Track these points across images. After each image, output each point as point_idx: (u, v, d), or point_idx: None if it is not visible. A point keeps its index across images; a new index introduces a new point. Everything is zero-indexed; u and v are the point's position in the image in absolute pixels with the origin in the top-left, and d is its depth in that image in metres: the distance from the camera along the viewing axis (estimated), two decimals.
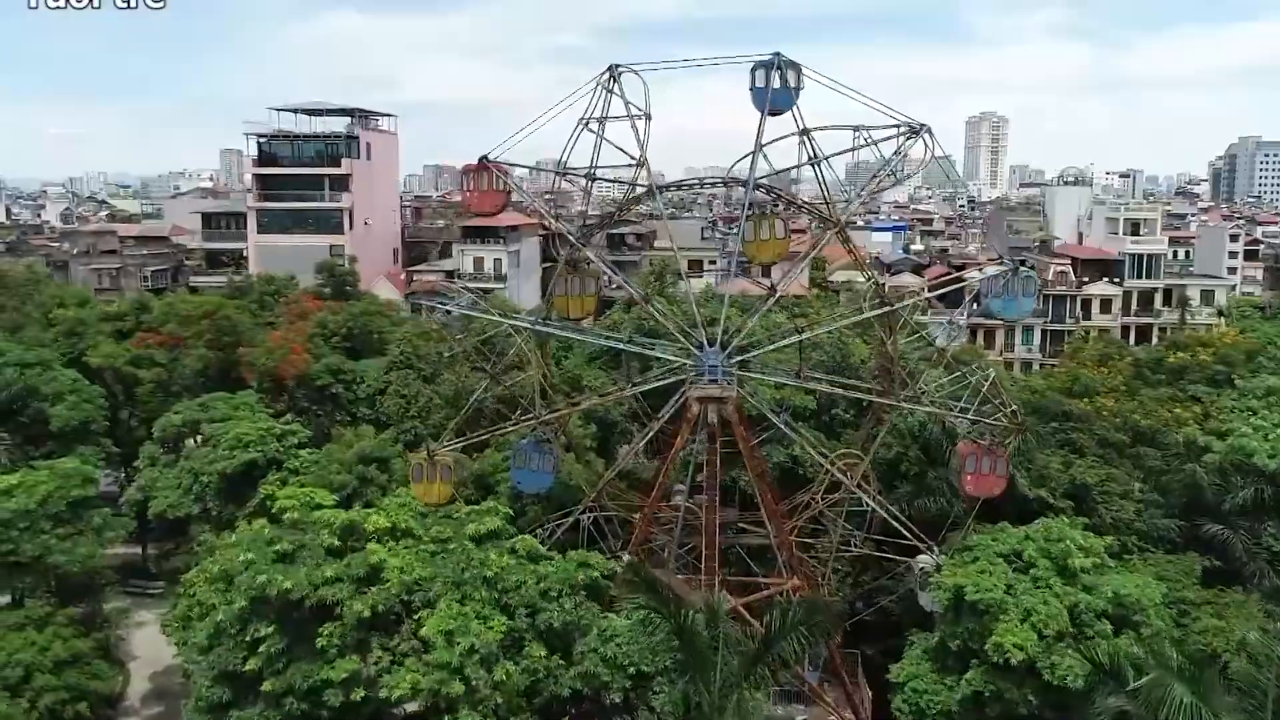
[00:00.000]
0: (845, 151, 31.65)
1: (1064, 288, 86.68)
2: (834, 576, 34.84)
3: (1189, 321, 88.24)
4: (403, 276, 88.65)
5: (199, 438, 44.41)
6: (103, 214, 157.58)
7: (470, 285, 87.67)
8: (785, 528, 32.67)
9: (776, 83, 31.04)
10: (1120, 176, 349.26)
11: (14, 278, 66.34)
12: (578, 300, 33.77)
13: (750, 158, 32.44)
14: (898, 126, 31.34)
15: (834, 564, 34.71)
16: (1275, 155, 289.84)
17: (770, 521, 32.19)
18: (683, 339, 32.45)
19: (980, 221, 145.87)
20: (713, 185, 34.68)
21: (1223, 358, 47.59)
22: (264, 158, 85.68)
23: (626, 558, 31.57)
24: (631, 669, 24.68)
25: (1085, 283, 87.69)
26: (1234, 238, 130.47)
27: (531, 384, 34.72)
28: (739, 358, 32.23)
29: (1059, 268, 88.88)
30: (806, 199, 33.69)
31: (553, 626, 25.18)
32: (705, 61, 31.85)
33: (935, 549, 33.17)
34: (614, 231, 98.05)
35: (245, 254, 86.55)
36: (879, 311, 32.14)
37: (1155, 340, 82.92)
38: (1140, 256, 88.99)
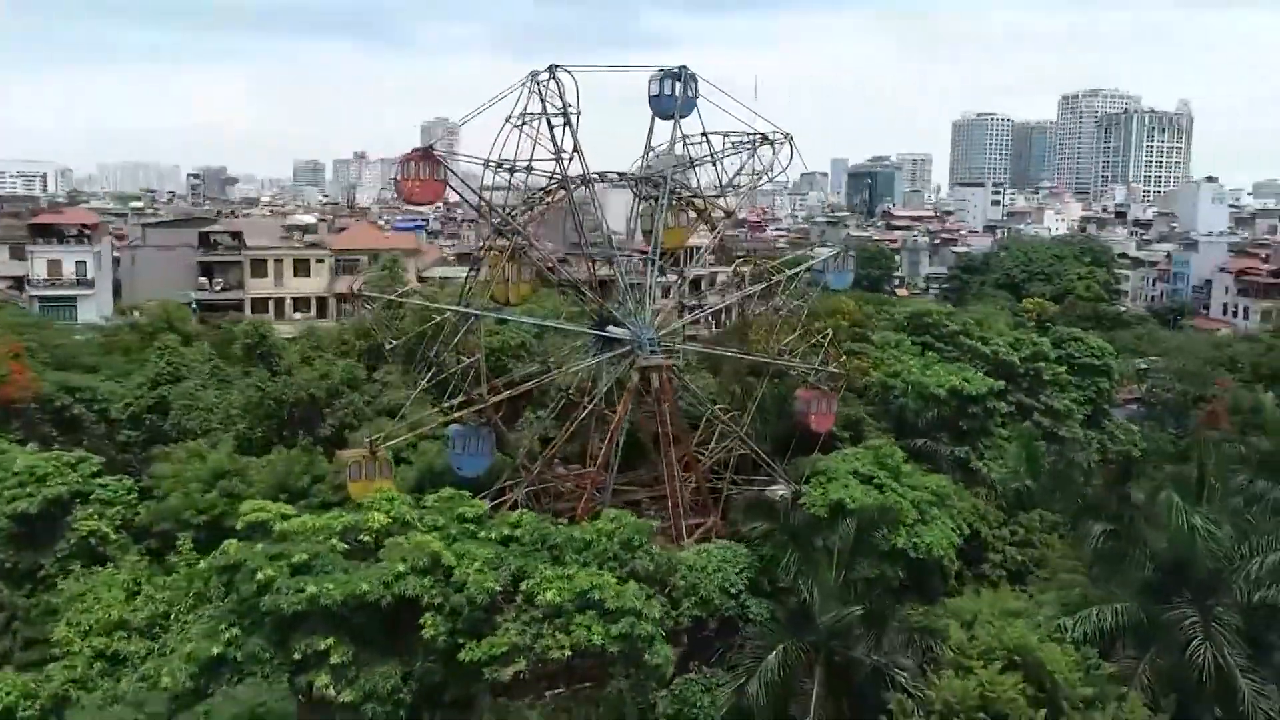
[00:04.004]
0: (728, 154, 37.82)
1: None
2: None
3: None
4: None
5: None
6: None
7: (48, 294, 75.64)
8: (701, 477, 38.00)
9: (678, 91, 36.16)
10: None
11: None
12: (516, 287, 35.36)
13: (643, 157, 37.28)
14: (759, 134, 38.25)
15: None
16: None
17: (689, 472, 37.26)
18: (621, 319, 36.07)
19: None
20: (625, 180, 38.17)
21: (856, 321, 62.13)
22: None
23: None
24: (734, 590, 28.74)
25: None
26: None
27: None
28: (663, 331, 36.74)
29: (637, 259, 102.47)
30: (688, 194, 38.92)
31: (648, 571, 28.01)
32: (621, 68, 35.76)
33: (787, 480, 40.80)
34: (204, 230, 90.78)
35: None
36: (760, 287, 38.98)
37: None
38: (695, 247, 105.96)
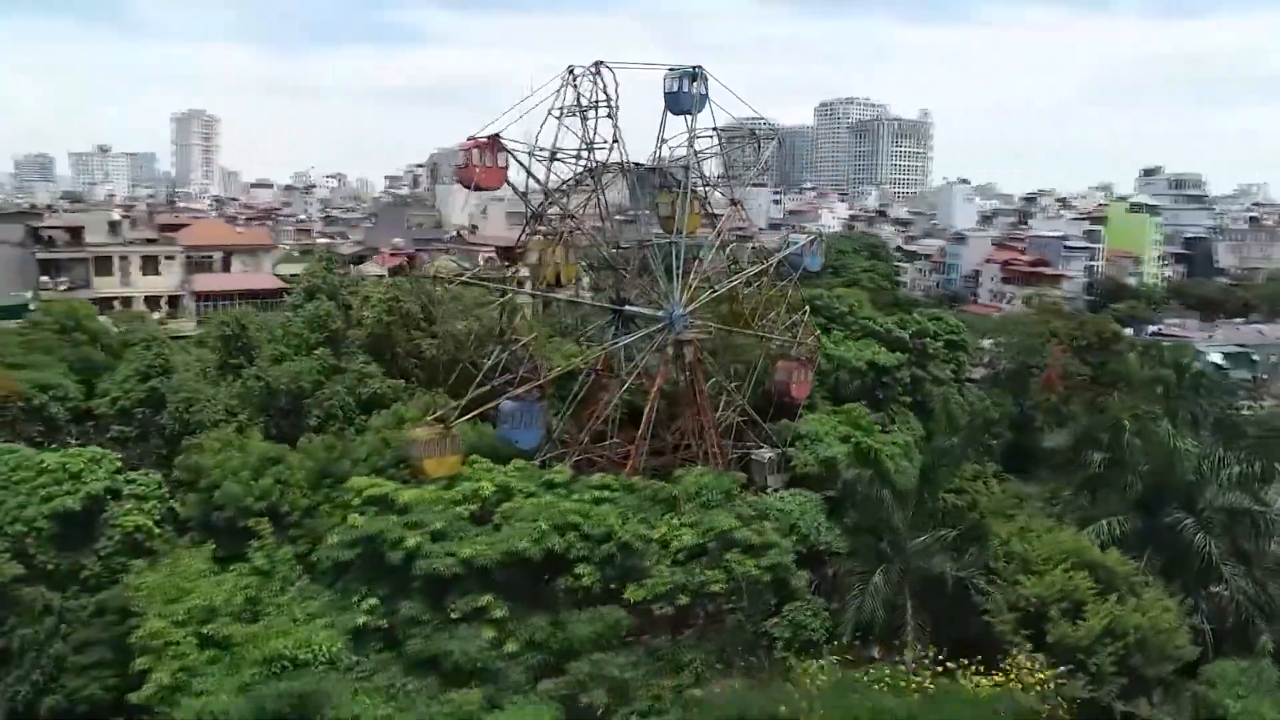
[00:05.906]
0: (732, 151, 41.52)
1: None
2: None
3: None
4: None
5: None
6: None
7: None
8: (719, 440, 41.42)
9: (694, 89, 39.43)
10: (331, 178, 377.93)
11: None
12: (568, 269, 37.36)
13: (656, 150, 40.39)
14: (749, 129, 42.25)
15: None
16: None
17: (711, 434, 40.64)
18: (658, 298, 38.98)
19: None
20: (640, 170, 40.45)
21: (791, 307, 67.31)
22: None
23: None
24: (816, 525, 32.80)
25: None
26: None
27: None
28: (691, 307, 39.85)
29: (486, 255, 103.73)
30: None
31: (749, 515, 31.34)
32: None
33: (775, 443, 44.91)
34: (38, 225, 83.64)
35: None
36: (758, 268, 42.98)
37: None
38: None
